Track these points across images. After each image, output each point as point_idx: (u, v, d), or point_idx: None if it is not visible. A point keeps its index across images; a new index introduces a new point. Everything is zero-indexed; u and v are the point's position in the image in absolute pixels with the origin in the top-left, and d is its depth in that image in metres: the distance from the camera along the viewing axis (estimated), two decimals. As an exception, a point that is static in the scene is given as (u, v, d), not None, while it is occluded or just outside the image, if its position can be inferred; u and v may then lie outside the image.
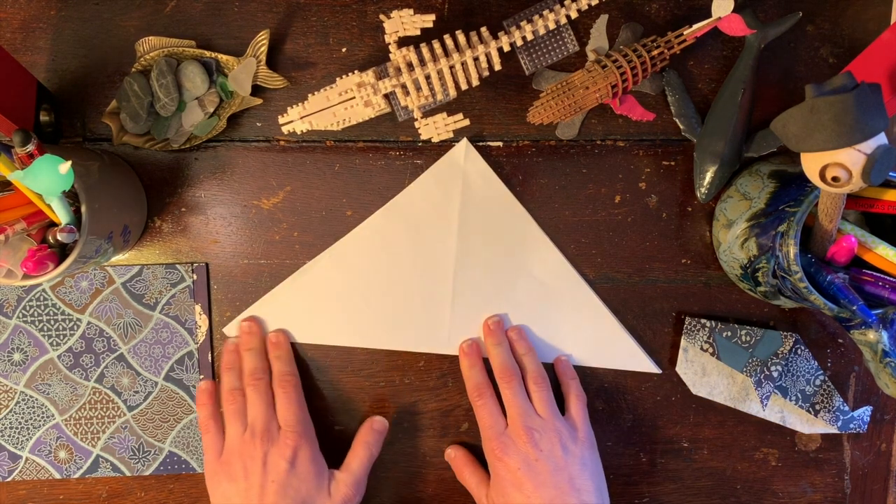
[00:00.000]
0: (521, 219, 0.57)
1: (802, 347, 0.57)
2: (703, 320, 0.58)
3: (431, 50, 0.51)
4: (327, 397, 0.58)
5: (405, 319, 0.57)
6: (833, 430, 0.58)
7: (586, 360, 0.58)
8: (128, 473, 0.58)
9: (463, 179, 0.56)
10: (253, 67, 0.53)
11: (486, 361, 0.57)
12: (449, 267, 0.57)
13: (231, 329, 0.57)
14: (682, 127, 0.56)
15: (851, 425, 0.58)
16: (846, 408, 0.58)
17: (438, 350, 0.58)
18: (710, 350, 0.57)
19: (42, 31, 0.55)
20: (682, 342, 0.58)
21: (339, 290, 0.57)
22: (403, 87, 0.52)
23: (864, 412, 0.58)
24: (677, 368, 0.58)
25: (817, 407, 0.58)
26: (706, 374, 0.58)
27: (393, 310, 0.57)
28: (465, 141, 0.56)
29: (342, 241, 0.57)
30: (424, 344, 0.58)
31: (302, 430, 0.52)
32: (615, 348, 0.58)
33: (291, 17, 0.56)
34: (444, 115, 0.52)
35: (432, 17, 0.49)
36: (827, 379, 0.58)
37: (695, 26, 0.53)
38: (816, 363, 0.58)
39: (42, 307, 0.57)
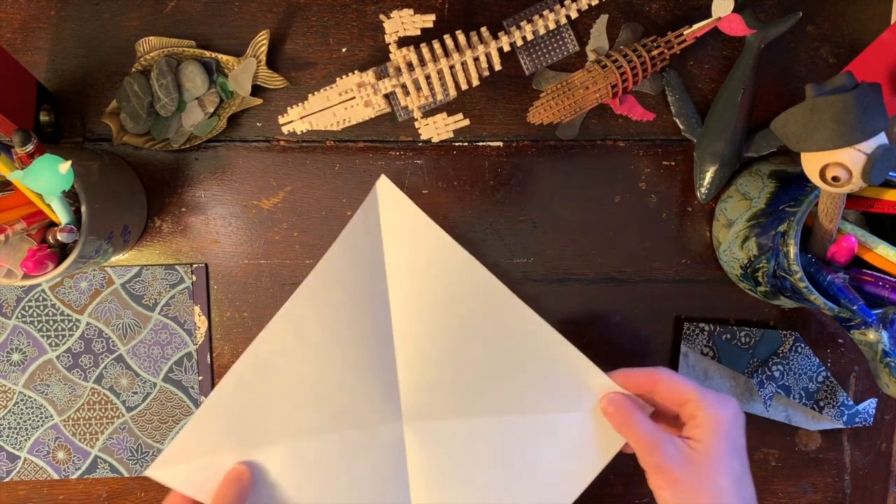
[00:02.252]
0: (452, 255, 0.50)
1: (803, 345, 0.57)
2: (701, 324, 0.58)
3: (431, 50, 0.51)
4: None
5: (344, 397, 0.49)
6: (839, 424, 0.58)
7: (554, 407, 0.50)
8: (126, 474, 0.58)
9: (382, 228, 0.50)
10: (253, 67, 0.53)
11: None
12: (386, 336, 0.49)
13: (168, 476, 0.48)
14: (682, 127, 0.56)
15: (857, 419, 0.58)
16: (850, 402, 0.58)
17: (386, 422, 0.49)
18: (711, 353, 0.57)
19: (42, 31, 0.55)
20: (682, 347, 0.57)
21: (264, 395, 0.49)
22: (403, 87, 0.52)
23: (869, 405, 0.58)
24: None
25: (821, 403, 0.58)
26: (708, 377, 0.58)
27: (333, 394, 0.49)
28: (382, 179, 0.51)
29: (252, 347, 0.49)
30: (367, 419, 0.49)
31: None
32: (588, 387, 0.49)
33: (291, 17, 0.56)
34: (444, 115, 0.52)
35: (432, 17, 0.49)
36: (829, 375, 0.58)
37: (695, 26, 0.53)
38: (818, 360, 0.58)
39: (41, 307, 0.57)
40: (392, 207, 0.50)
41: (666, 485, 0.43)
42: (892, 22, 0.56)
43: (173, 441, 0.47)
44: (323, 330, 0.49)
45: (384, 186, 0.51)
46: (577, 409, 0.48)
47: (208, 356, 0.58)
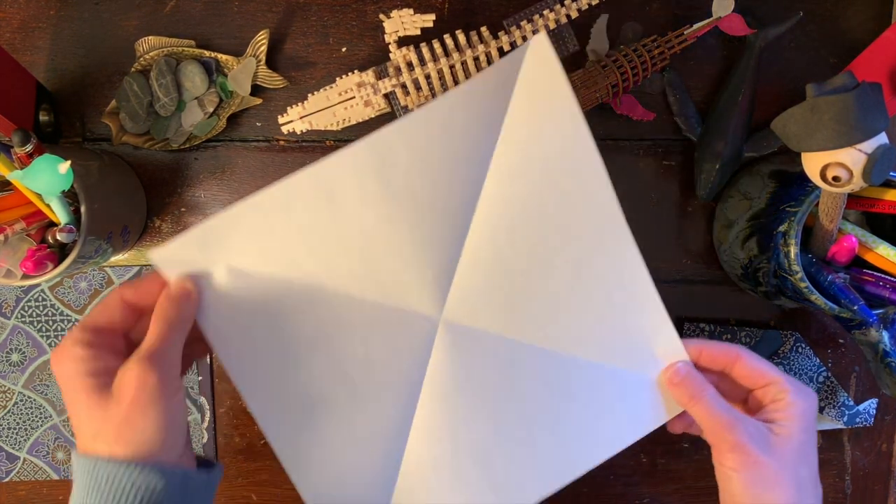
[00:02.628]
0: (580, 155, 0.41)
1: (803, 345, 0.57)
2: (701, 324, 0.57)
3: (431, 50, 0.51)
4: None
5: (393, 266, 0.42)
6: (839, 425, 0.57)
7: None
8: (127, 474, 0.58)
9: (515, 93, 0.41)
10: (253, 67, 0.53)
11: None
12: (466, 214, 0.42)
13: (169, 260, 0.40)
14: (682, 127, 0.56)
15: (858, 419, 0.58)
16: (851, 402, 0.58)
17: (424, 311, 0.43)
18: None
19: (41, 30, 0.55)
20: (683, 346, 0.57)
21: (312, 222, 0.41)
22: (403, 86, 0.52)
23: (870, 405, 0.58)
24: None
25: (822, 404, 0.57)
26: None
27: (381, 251, 0.42)
28: (541, 37, 0.40)
29: (330, 161, 0.40)
30: (405, 299, 0.42)
31: None
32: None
33: (291, 16, 0.56)
34: (445, 114, 0.52)
35: (432, 16, 0.49)
36: (830, 375, 0.58)
37: (695, 26, 0.53)
38: (818, 360, 0.58)
39: (41, 308, 0.57)
40: (536, 74, 0.40)
41: (742, 467, 0.39)
42: (893, 21, 0.56)
43: (189, 232, 0.39)
44: (408, 177, 0.41)
45: (539, 46, 0.40)
46: (636, 367, 0.44)
47: (208, 356, 0.57)
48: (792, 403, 0.41)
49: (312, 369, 0.42)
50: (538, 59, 0.40)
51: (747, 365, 0.43)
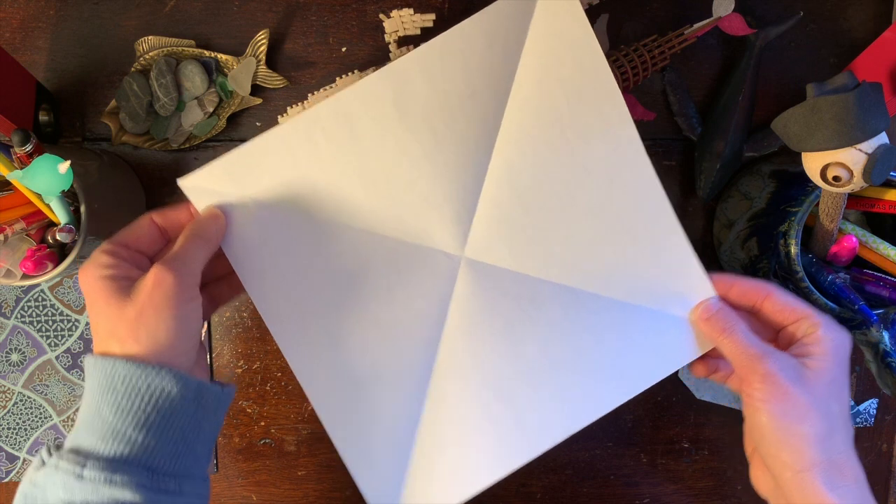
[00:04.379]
0: (598, 85, 0.41)
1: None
2: (703, 320, 0.57)
3: (431, 49, 0.51)
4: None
5: (413, 201, 0.42)
6: None
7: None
8: (127, 474, 0.58)
9: (533, 21, 0.40)
10: (252, 67, 0.53)
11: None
12: (486, 150, 0.42)
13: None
14: (682, 127, 0.56)
15: (858, 419, 0.58)
16: (851, 402, 0.58)
17: (446, 248, 0.43)
18: None
19: (41, 30, 0.55)
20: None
21: (333, 154, 0.41)
22: (403, 86, 0.51)
23: (870, 405, 0.58)
24: (680, 375, 0.58)
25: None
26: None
27: (402, 186, 0.42)
28: None
29: (348, 91, 0.41)
30: (427, 236, 0.43)
31: None
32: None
33: (291, 16, 0.56)
34: (445, 114, 0.52)
35: (432, 16, 0.49)
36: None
37: (695, 26, 0.53)
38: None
39: (40, 308, 0.57)
40: (553, 4, 0.40)
41: (772, 397, 0.39)
42: (894, 21, 0.56)
43: (216, 161, 0.40)
44: (426, 109, 0.41)
45: None
46: (661, 305, 0.43)
47: (208, 356, 0.57)
48: (824, 338, 0.40)
49: (335, 302, 0.42)
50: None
51: (778, 300, 0.42)
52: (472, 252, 0.43)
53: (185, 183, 0.40)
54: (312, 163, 0.41)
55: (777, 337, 0.43)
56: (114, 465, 0.34)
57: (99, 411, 0.35)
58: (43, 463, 0.35)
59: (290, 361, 0.42)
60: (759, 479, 0.42)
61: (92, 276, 0.36)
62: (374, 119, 0.41)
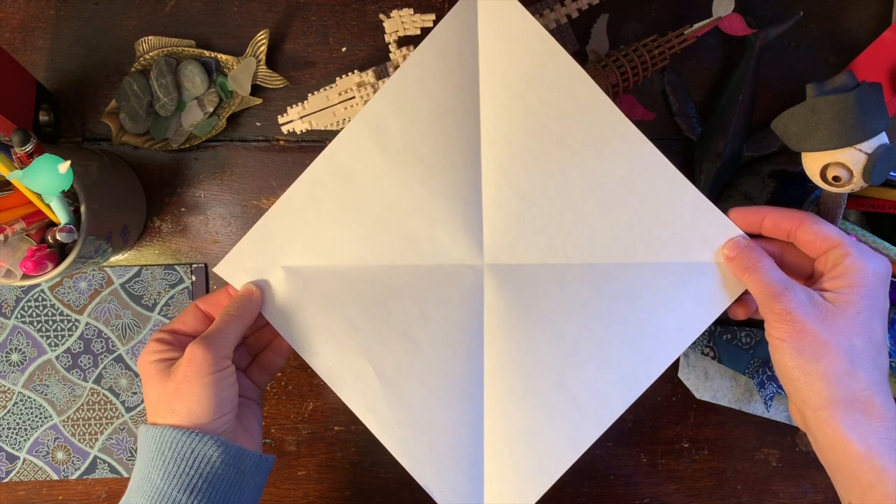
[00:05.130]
0: (558, 65, 0.42)
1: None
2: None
3: (431, 49, 0.51)
4: (328, 397, 0.58)
5: (422, 226, 0.44)
6: None
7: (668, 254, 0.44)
8: (125, 474, 0.58)
9: (480, 27, 0.42)
10: (252, 67, 0.53)
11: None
12: (474, 159, 0.43)
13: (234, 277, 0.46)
14: (682, 127, 0.56)
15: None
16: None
17: (466, 261, 0.44)
18: (711, 354, 0.57)
19: (41, 30, 0.55)
20: (683, 347, 0.57)
21: (339, 206, 0.44)
22: (403, 86, 0.51)
23: None
24: (679, 374, 0.58)
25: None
26: (709, 378, 0.58)
27: (407, 215, 0.44)
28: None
29: (332, 144, 0.44)
30: (444, 254, 0.44)
31: None
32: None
33: (291, 16, 0.56)
34: (445, 114, 0.52)
35: (432, 16, 0.49)
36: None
37: (695, 26, 0.53)
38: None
39: (40, 308, 0.57)
40: (493, 7, 0.42)
41: (789, 336, 0.38)
42: (893, 21, 0.56)
43: (242, 241, 0.45)
44: (405, 140, 0.43)
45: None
46: (687, 256, 0.43)
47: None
48: (851, 268, 0.38)
49: (379, 339, 0.45)
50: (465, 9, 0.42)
51: (811, 229, 0.40)
52: (491, 257, 0.44)
53: (221, 270, 0.45)
54: (323, 218, 0.44)
55: (813, 269, 0.41)
56: None
57: (149, 476, 0.39)
58: None
59: (356, 410, 0.44)
60: (796, 415, 0.42)
61: (144, 360, 0.42)
62: (363, 163, 0.44)
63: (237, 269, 0.45)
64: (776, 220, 0.42)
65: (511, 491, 0.44)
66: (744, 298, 0.43)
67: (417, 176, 0.43)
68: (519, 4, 0.42)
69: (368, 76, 0.52)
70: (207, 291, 0.57)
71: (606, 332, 0.44)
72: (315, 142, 0.56)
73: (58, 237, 0.46)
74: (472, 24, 0.42)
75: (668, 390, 0.59)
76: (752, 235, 0.44)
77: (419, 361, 0.44)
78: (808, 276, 0.42)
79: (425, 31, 0.50)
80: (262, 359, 0.48)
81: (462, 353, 0.44)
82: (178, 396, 0.40)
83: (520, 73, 0.43)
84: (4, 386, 0.57)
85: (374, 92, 0.51)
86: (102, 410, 0.57)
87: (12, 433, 0.58)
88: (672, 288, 0.44)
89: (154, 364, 0.42)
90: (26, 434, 0.57)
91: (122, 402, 0.57)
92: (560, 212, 0.44)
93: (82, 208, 0.46)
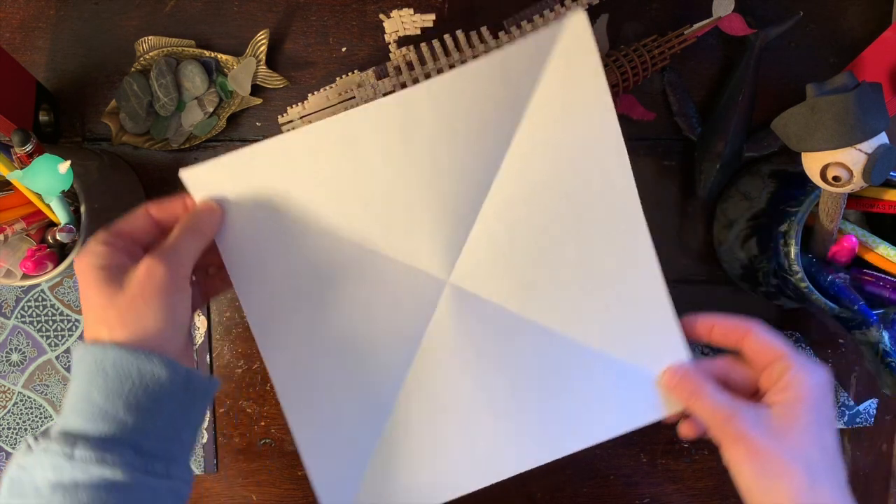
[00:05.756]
0: (605, 142, 0.41)
1: (803, 345, 0.57)
2: (703, 321, 0.57)
3: (431, 49, 0.51)
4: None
5: (407, 222, 0.43)
6: (839, 425, 0.58)
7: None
8: (127, 474, 0.58)
9: (547, 69, 0.40)
10: (252, 67, 0.53)
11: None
12: (484, 185, 0.42)
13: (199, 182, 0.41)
14: (682, 127, 0.56)
15: (858, 419, 0.58)
16: (851, 402, 0.58)
17: (432, 271, 0.43)
18: (711, 354, 0.57)
19: (41, 30, 0.55)
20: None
21: (335, 168, 0.42)
22: (403, 86, 0.51)
23: (870, 405, 0.58)
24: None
25: (821, 405, 0.57)
26: (707, 374, 0.58)
27: (397, 207, 0.43)
28: (579, 16, 0.39)
29: (358, 110, 0.41)
30: (415, 257, 0.43)
31: None
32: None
33: (291, 16, 0.56)
34: (445, 114, 0.52)
35: (432, 16, 0.49)
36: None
37: (695, 26, 0.53)
38: (818, 360, 0.57)
39: (40, 308, 0.57)
40: (570, 54, 0.40)
41: (747, 458, 0.38)
42: (893, 21, 0.56)
43: (222, 157, 0.41)
44: (431, 139, 0.41)
45: (576, 24, 0.39)
46: (636, 359, 0.43)
47: (208, 356, 0.57)
48: (794, 381, 0.39)
49: (316, 307, 0.43)
50: (574, 39, 0.39)
51: (756, 339, 0.41)
52: (458, 279, 0.43)
53: (187, 174, 0.40)
54: (314, 173, 0.42)
55: (758, 384, 0.42)
56: (104, 445, 0.34)
57: (88, 396, 0.35)
58: (29, 448, 0.35)
59: (266, 359, 0.43)
60: None
61: (86, 264, 0.37)
62: (378, 143, 0.41)
63: (204, 182, 0.41)
64: (725, 330, 0.42)
65: (380, 502, 0.44)
66: (693, 419, 0.44)
67: (424, 177, 0.42)
68: (599, 63, 0.40)
69: (368, 76, 0.52)
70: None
71: (530, 401, 0.44)
72: (315, 142, 0.56)
73: (58, 237, 0.46)
74: (543, 62, 0.41)
75: (668, 390, 0.59)
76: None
77: (349, 348, 0.43)
78: (754, 392, 0.42)
79: (425, 31, 0.50)
80: (205, 281, 0.44)
81: (391, 356, 0.44)
82: (131, 310, 0.36)
83: (566, 126, 0.41)
84: (4, 386, 0.57)
85: (375, 92, 0.51)
86: (102, 410, 0.57)
87: (12, 433, 0.57)
88: (609, 385, 0.44)
89: (99, 270, 0.37)
90: (26, 434, 0.57)
91: (122, 402, 0.57)
92: (541, 269, 0.43)
93: (82, 208, 0.46)
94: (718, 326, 0.42)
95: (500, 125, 0.42)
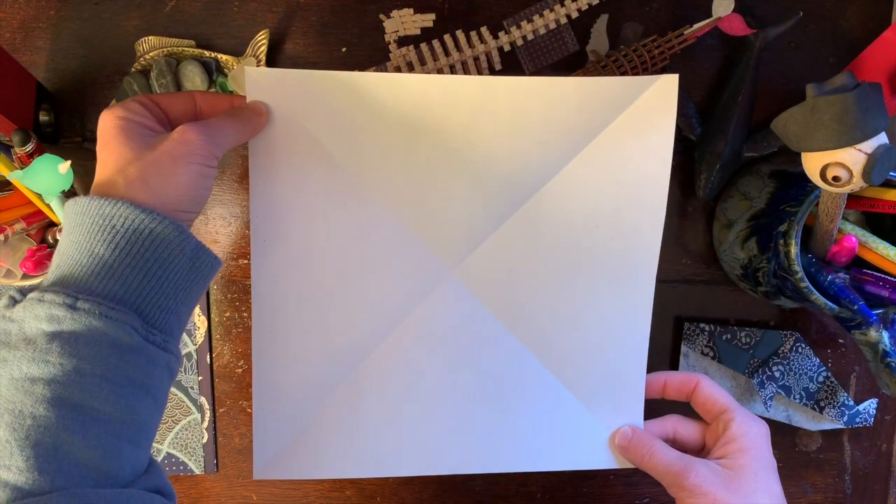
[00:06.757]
0: (648, 222, 0.44)
1: (803, 345, 0.57)
2: (702, 324, 0.57)
3: (431, 49, 0.51)
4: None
5: (437, 204, 0.43)
6: (839, 425, 0.57)
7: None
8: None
9: (625, 113, 0.42)
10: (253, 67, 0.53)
11: None
12: (524, 196, 0.43)
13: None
14: (682, 127, 0.56)
15: (858, 419, 0.58)
16: (851, 402, 0.58)
17: (440, 258, 0.44)
18: (711, 354, 0.57)
19: (41, 30, 0.55)
20: (683, 348, 0.57)
21: (393, 124, 0.42)
22: (403, 86, 0.52)
23: (870, 405, 0.58)
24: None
25: (822, 403, 0.57)
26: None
27: (434, 186, 0.43)
28: (674, 77, 0.42)
29: (437, 77, 0.42)
30: (430, 239, 0.44)
31: None
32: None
33: (291, 16, 0.56)
34: (445, 114, 0.52)
35: (432, 16, 0.49)
36: (830, 375, 0.58)
37: (695, 26, 0.53)
38: (818, 360, 0.58)
39: (41, 307, 0.57)
40: (652, 106, 0.43)
41: None
42: (893, 22, 0.56)
43: (287, 70, 0.41)
44: (495, 131, 0.42)
45: (668, 83, 0.42)
46: (595, 409, 0.46)
47: (208, 356, 0.57)
48: (737, 433, 0.42)
49: (319, 248, 0.43)
50: (661, 93, 0.42)
51: (703, 392, 0.45)
52: (461, 275, 0.44)
53: (251, 70, 0.40)
54: (373, 120, 0.41)
55: (704, 440, 0.46)
56: (109, 301, 0.32)
57: (91, 249, 0.32)
58: (14, 301, 0.32)
59: (253, 265, 0.42)
60: None
61: (117, 115, 0.35)
62: (446, 114, 0.41)
63: (263, 86, 0.40)
64: (676, 385, 0.46)
65: (305, 456, 0.44)
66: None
67: (475, 165, 0.42)
68: (673, 120, 0.43)
69: (368, 76, 0.52)
70: (208, 292, 0.57)
71: (486, 410, 0.45)
72: (315, 142, 0.56)
73: (58, 237, 0.46)
74: (628, 101, 0.42)
75: (668, 390, 0.59)
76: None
77: (335, 297, 0.44)
78: (701, 448, 0.46)
79: (425, 31, 0.50)
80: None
81: (371, 323, 0.44)
82: (156, 169, 0.34)
83: (623, 167, 0.43)
84: (5, 386, 0.57)
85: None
86: (102, 410, 0.57)
87: (12, 433, 0.57)
88: (565, 422, 0.46)
89: (130, 123, 0.35)
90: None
91: (123, 402, 0.57)
92: (542, 293, 0.45)
93: (82, 208, 0.46)
94: (670, 382, 0.46)
95: (566, 143, 0.43)
